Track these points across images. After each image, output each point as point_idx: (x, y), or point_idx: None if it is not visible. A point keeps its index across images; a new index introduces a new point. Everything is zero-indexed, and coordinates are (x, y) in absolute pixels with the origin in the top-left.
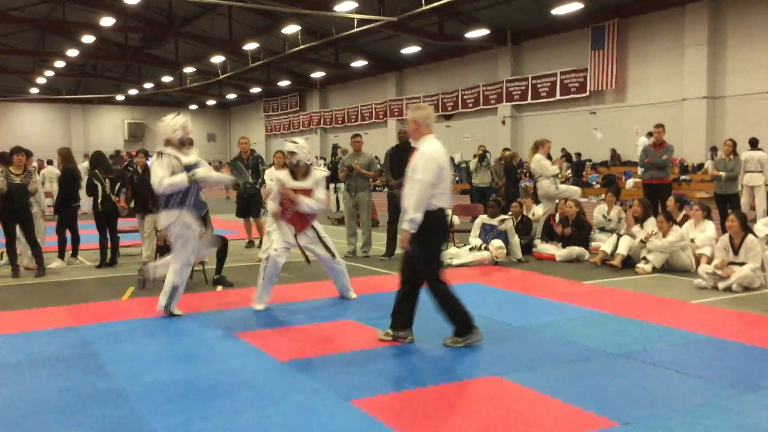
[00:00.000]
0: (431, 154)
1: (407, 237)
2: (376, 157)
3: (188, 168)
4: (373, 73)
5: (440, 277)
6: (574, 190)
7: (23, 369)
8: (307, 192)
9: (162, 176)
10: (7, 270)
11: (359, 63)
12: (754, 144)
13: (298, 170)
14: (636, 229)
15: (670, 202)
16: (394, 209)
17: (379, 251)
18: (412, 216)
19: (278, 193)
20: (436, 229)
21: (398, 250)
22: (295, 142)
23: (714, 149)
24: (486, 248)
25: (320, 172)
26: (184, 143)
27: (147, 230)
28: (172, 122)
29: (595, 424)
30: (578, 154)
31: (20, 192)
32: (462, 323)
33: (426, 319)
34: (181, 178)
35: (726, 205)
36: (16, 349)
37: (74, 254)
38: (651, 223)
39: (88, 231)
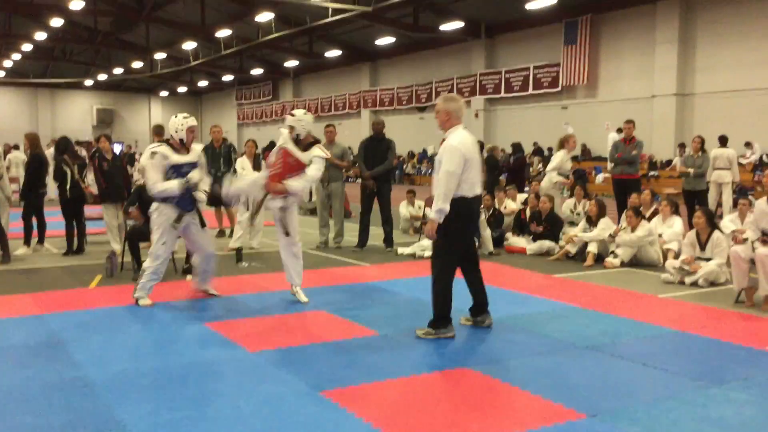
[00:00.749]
0: (455, 146)
1: (433, 227)
2: (350, 148)
3: (176, 168)
4: (347, 63)
5: (451, 266)
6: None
7: None
8: (302, 166)
9: (155, 180)
10: None
11: (333, 53)
12: (723, 141)
13: (299, 144)
14: (593, 229)
15: (646, 196)
16: (367, 200)
17: (351, 242)
18: (439, 206)
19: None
20: (458, 217)
21: (372, 242)
22: (293, 115)
23: (682, 146)
24: None
25: (319, 151)
26: (185, 144)
27: (119, 220)
28: (181, 121)
29: (564, 416)
30: (549, 149)
31: None
32: (441, 316)
33: (398, 313)
34: (172, 186)
35: (693, 201)
36: None
37: (40, 241)
38: (604, 223)
39: (55, 218)
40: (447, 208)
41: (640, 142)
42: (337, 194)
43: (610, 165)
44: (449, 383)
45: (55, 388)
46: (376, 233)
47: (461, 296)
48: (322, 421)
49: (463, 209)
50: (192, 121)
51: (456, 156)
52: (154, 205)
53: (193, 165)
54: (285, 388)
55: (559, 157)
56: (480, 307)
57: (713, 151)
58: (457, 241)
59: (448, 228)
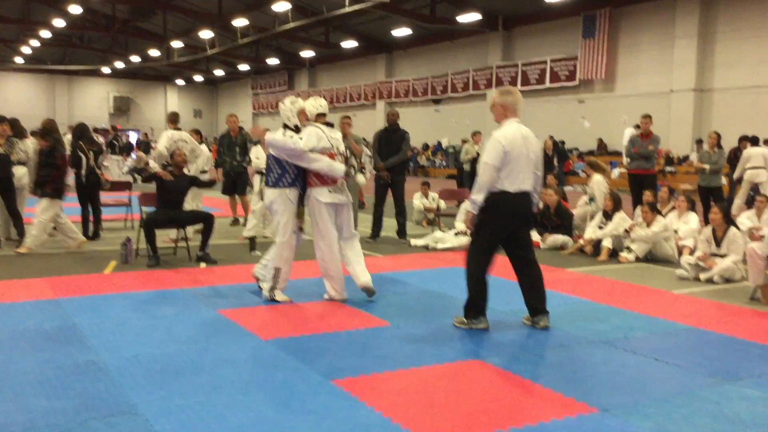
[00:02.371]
0: (497, 138)
1: (470, 217)
2: (364, 139)
3: None
4: (362, 53)
5: (482, 258)
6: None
7: (2, 340)
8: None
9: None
10: None
11: (349, 43)
12: (755, 141)
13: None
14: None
15: (663, 193)
16: (381, 191)
17: (364, 233)
18: (473, 197)
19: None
20: (495, 211)
21: (385, 233)
22: (321, 106)
23: (700, 142)
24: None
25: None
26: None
27: None
28: (290, 107)
29: (575, 410)
30: (562, 142)
31: (2, 162)
32: (471, 306)
33: (410, 304)
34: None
35: (709, 198)
36: None
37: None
38: (619, 218)
39: (71, 204)
40: (480, 199)
41: (657, 138)
42: (353, 185)
43: (626, 160)
44: (461, 375)
45: (68, 371)
46: (389, 224)
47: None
48: (333, 410)
49: (501, 203)
50: (301, 104)
51: (495, 148)
52: (275, 192)
53: None
54: (297, 377)
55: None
56: (533, 308)
57: (746, 150)
58: (491, 235)
59: (482, 220)
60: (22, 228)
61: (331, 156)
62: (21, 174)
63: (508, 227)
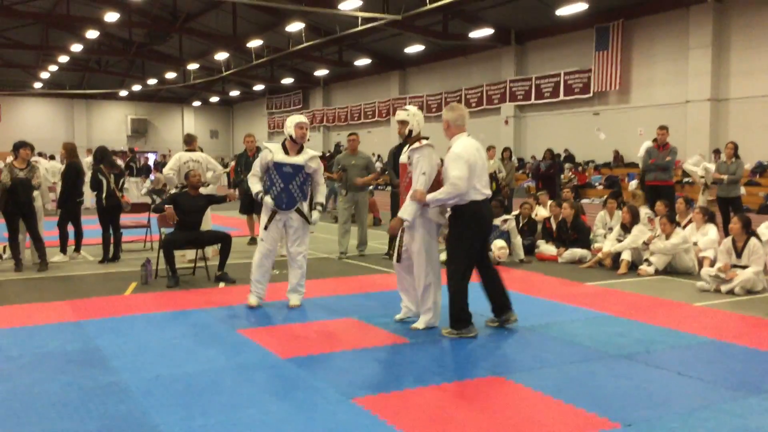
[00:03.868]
0: (458, 153)
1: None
2: (379, 156)
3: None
4: (376, 71)
5: (466, 269)
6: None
7: (25, 363)
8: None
9: None
10: (9, 264)
11: (363, 61)
12: None
13: (411, 141)
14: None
15: (680, 204)
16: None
17: (378, 249)
18: (436, 197)
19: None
20: (473, 222)
21: None
22: (405, 110)
23: (717, 152)
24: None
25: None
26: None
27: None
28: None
29: (598, 426)
30: (559, 155)
31: (24, 186)
32: (458, 318)
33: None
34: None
35: (728, 208)
36: (19, 343)
37: (77, 249)
38: (638, 230)
39: (91, 226)
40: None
41: (674, 148)
42: (362, 203)
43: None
44: (481, 392)
45: (91, 393)
46: None
47: (471, 301)
48: (353, 428)
49: (475, 213)
50: (297, 118)
51: (460, 162)
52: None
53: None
54: (317, 395)
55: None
56: (501, 306)
57: None
58: (471, 246)
59: (462, 233)
60: (44, 251)
61: None
62: (35, 197)
63: (484, 233)
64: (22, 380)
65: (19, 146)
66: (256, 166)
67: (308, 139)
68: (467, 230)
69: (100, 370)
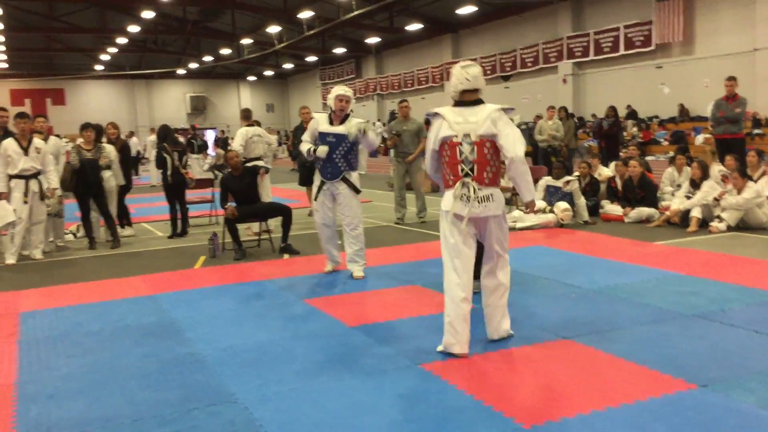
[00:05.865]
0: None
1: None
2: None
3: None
4: (428, 35)
5: None
6: None
7: (105, 336)
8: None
9: None
10: (84, 242)
11: (414, 26)
12: None
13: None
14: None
15: (752, 157)
16: None
17: (437, 216)
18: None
19: None
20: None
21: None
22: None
23: None
24: (551, 210)
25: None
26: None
27: None
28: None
29: (673, 387)
30: (628, 107)
31: (92, 167)
32: None
33: None
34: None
35: None
36: (98, 318)
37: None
38: (708, 186)
39: (158, 203)
40: None
41: (743, 100)
42: (416, 169)
43: (710, 125)
44: (550, 355)
45: (169, 364)
46: None
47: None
48: (424, 393)
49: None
50: (338, 89)
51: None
52: None
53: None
54: (385, 361)
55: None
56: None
57: None
58: None
59: None
60: (114, 229)
61: None
62: (107, 177)
63: None
64: (103, 353)
65: (82, 128)
66: (307, 134)
67: (351, 111)
68: None
69: (176, 342)
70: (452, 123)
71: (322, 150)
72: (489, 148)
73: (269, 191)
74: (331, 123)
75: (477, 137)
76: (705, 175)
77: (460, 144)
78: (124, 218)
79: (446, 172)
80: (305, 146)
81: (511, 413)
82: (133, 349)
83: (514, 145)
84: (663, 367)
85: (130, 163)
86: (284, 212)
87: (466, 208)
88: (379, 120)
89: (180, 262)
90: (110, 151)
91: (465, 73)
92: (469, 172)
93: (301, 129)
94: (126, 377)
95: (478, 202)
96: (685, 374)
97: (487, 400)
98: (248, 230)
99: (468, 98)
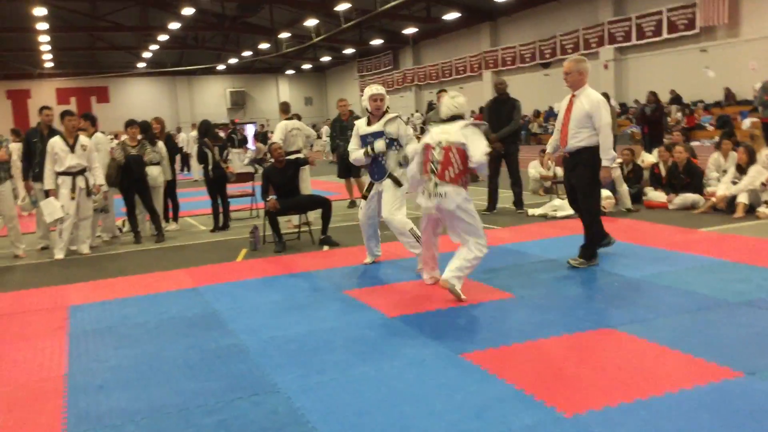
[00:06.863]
0: (602, 100)
1: (609, 172)
2: (473, 112)
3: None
4: (466, 24)
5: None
6: None
7: (151, 328)
8: None
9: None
10: (129, 237)
11: (451, 15)
12: None
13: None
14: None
15: None
16: (495, 163)
17: (480, 206)
18: (612, 155)
19: None
20: (599, 162)
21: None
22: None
23: None
24: None
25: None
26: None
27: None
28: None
29: (719, 375)
30: (672, 91)
31: (137, 163)
32: (591, 250)
33: (532, 274)
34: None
35: None
36: (144, 310)
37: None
38: (755, 170)
39: (201, 197)
40: (616, 154)
41: None
42: None
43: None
44: (592, 344)
45: (213, 355)
46: (505, 195)
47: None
48: (465, 383)
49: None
50: (371, 89)
51: (608, 108)
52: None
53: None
54: (426, 351)
55: None
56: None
57: None
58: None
59: (596, 171)
60: (159, 224)
61: None
62: (155, 174)
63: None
64: (149, 345)
65: (127, 125)
66: (353, 143)
67: (387, 108)
68: (598, 169)
69: (219, 333)
70: (433, 134)
71: (379, 145)
72: (454, 153)
73: (309, 184)
74: (369, 123)
75: (446, 143)
76: (752, 159)
77: (434, 148)
78: (172, 212)
79: (422, 169)
80: (360, 152)
81: (552, 402)
82: (178, 340)
83: (476, 152)
84: (708, 355)
85: (174, 158)
86: (324, 204)
87: (424, 201)
88: (417, 111)
89: (222, 255)
90: (161, 147)
91: (454, 102)
92: (435, 170)
93: (339, 121)
94: (171, 368)
95: (433, 196)
96: (731, 362)
97: (529, 390)
98: (288, 223)
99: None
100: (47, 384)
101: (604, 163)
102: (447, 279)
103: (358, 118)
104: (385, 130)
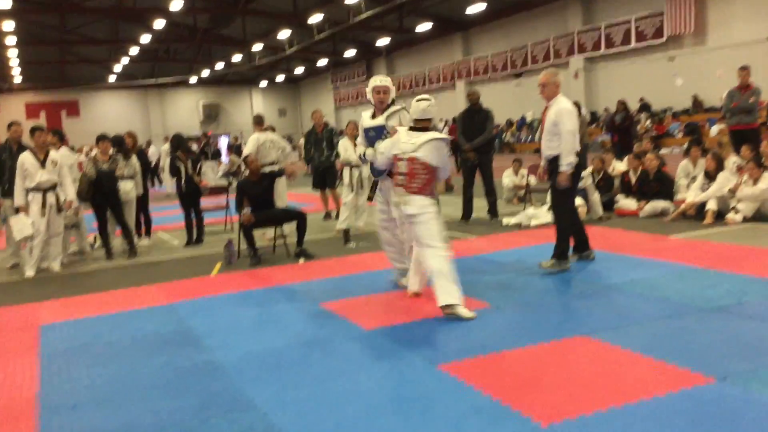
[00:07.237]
0: (569, 108)
1: (569, 176)
2: (446, 122)
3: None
4: (438, 35)
5: (572, 204)
6: None
7: (125, 346)
8: None
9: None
10: (101, 252)
11: (424, 26)
12: None
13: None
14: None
15: (767, 147)
16: (469, 173)
17: (454, 216)
18: (570, 160)
19: None
20: (577, 167)
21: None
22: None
23: None
24: None
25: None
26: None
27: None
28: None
29: (691, 381)
30: (641, 99)
31: (108, 178)
32: (563, 251)
33: (508, 283)
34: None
35: None
36: (117, 328)
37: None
38: (723, 177)
39: (174, 211)
40: (575, 160)
41: (757, 89)
42: None
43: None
44: (567, 352)
45: (188, 372)
46: (479, 205)
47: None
48: (442, 394)
49: (578, 159)
50: (374, 81)
51: (574, 116)
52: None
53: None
54: (403, 364)
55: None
56: (585, 243)
57: None
58: (575, 186)
59: (572, 176)
60: (132, 239)
61: None
62: (128, 188)
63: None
64: (123, 363)
65: (98, 140)
66: (359, 137)
67: (393, 100)
68: (574, 174)
69: (194, 350)
70: (401, 143)
71: (369, 153)
72: (418, 166)
73: (284, 196)
74: (373, 116)
75: (411, 156)
76: (720, 166)
77: (401, 159)
78: (144, 227)
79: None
80: (360, 149)
81: (528, 412)
82: (152, 358)
83: (438, 162)
84: (681, 360)
85: (146, 172)
86: (299, 217)
87: (396, 213)
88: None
89: (197, 270)
90: (134, 162)
91: (420, 105)
92: (401, 181)
93: (313, 133)
94: (146, 386)
95: (398, 205)
96: (703, 368)
97: (505, 400)
98: (264, 236)
99: (420, 125)
100: (19, 404)
101: (561, 168)
102: (443, 306)
103: (332, 130)
104: (387, 124)
